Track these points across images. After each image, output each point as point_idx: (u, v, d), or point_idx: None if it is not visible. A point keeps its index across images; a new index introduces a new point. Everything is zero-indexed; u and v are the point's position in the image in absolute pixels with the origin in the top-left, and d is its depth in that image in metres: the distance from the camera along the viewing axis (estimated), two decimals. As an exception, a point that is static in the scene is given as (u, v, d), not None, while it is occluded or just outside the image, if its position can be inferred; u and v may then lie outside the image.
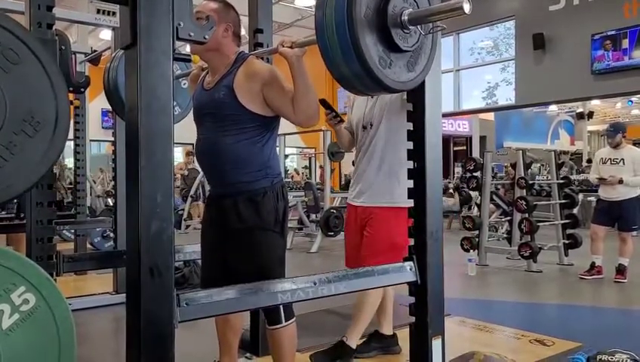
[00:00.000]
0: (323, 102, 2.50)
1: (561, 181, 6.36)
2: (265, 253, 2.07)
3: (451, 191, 10.12)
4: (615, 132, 5.35)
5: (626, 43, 8.46)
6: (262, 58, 2.42)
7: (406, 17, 1.58)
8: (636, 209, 5.16)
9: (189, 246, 2.78)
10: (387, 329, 2.94)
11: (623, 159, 5.19)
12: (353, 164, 3.00)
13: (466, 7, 1.53)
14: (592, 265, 5.29)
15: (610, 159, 5.29)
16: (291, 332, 2.12)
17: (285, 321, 2.08)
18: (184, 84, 2.94)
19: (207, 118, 2.13)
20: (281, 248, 2.15)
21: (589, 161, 12.18)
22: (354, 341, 2.76)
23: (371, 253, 2.67)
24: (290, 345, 2.13)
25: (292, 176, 13.76)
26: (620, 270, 5.13)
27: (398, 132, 2.53)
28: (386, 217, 2.68)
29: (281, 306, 2.02)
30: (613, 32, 8.58)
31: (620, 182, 5.11)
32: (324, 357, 2.71)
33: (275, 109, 2.05)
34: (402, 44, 1.60)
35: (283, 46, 1.93)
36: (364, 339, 2.92)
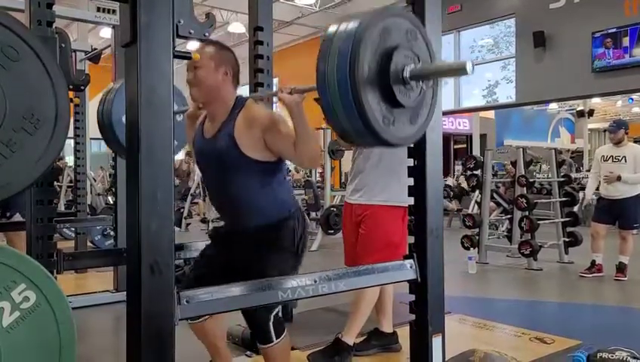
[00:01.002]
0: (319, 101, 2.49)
1: (562, 179, 6.37)
2: (272, 266, 2.00)
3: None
4: (617, 127, 5.32)
5: (626, 41, 8.46)
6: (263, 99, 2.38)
7: (408, 74, 1.55)
8: (637, 207, 5.15)
9: (190, 244, 2.78)
10: (387, 327, 2.94)
11: (625, 157, 5.18)
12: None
13: (469, 68, 1.50)
14: (593, 263, 5.28)
15: (612, 156, 5.27)
16: (284, 347, 2.08)
17: (276, 339, 2.03)
18: (180, 116, 2.82)
19: (211, 167, 2.13)
20: (291, 265, 2.09)
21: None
22: (351, 338, 2.76)
23: (366, 251, 2.67)
24: (285, 359, 2.11)
25: (292, 175, 13.74)
26: (621, 268, 5.13)
27: None
28: (381, 215, 2.69)
29: (271, 325, 2.00)
30: (613, 30, 8.57)
31: (619, 179, 5.10)
32: (322, 357, 2.71)
33: (277, 153, 2.03)
34: (405, 100, 1.57)
35: (282, 91, 1.90)
36: (364, 337, 2.92)
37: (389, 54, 1.52)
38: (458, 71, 1.58)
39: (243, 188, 2.05)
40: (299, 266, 2.15)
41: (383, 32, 1.52)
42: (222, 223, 2.29)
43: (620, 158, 5.21)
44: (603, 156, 5.38)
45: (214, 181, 2.15)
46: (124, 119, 2.99)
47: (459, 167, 13.22)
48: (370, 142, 1.64)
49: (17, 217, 4.38)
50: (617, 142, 5.28)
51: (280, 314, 2.06)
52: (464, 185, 7.48)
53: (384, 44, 1.53)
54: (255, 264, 2.01)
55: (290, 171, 14.19)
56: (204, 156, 2.15)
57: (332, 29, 1.54)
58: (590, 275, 5.22)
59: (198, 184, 9.70)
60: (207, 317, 2.15)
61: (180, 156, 11.34)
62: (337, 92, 1.49)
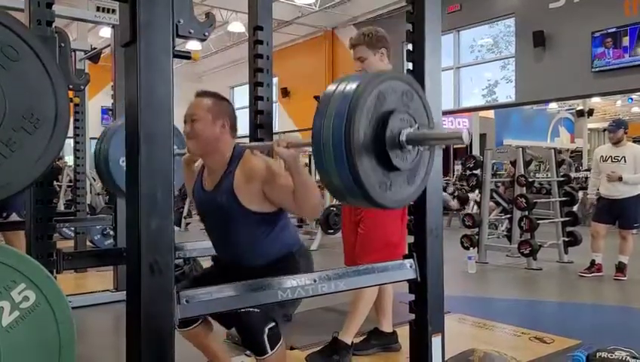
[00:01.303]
0: (318, 99, 2.50)
1: (561, 178, 6.37)
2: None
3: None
4: (617, 127, 5.32)
5: (626, 41, 8.46)
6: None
7: (404, 138, 1.54)
8: (637, 207, 5.15)
9: (189, 244, 2.78)
10: (387, 327, 2.94)
11: (624, 157, 5.17)
12: None
13: (465, 138, 1.51)
14: (592, 263, 5.29)
15: (612, 156, 5.27)
16: (280, 357, 2.04)
17: (271, 350, 1.98)
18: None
19: (213, 218, 2.16)
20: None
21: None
22: (349, 337, 2.75)
23: (365, 251, 2.67)
24: None
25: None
26: (620, 268, 5.13)
27: None
28: (380, 215, 2.68)
29: (265, 337, 1.95)
30: (613, 30, 8.57)
31: (620, 179, 5.10)
32: (320, 357, 2.71)
33: (277, 204, 2.05)
34: (401, 164, 1.56)
35: (279, 145, 1.87)
36: (363, 337, 2.92)
37: (384, 120, 1.52)
38: (453, 140, 1.59)
39: (246, 238, 2.08)
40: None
41: (379, 97, 1.52)
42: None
43: (619, 158, 5.20)
44: (602, 156, 5.38)
45: (216, 230, 2.18)
46: (121, 161, 3.04)
47: (458, 167, 13.22)
48: (364, 205, 1.62)
49: (14, 217, 4.37)
50: (616, 142, 5.28)
51: (277, 325, 2.00)
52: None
53: (380, 109, 1.52)
54: None
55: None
56: (206, 208, 2.18)
57: (330, 89, 1.54)
58: (590, 275, 5.22)
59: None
60: (197, 323, 2.15)
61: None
62: (332, 157, 1.48)
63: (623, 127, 5.34)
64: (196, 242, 2.77)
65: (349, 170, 1.47)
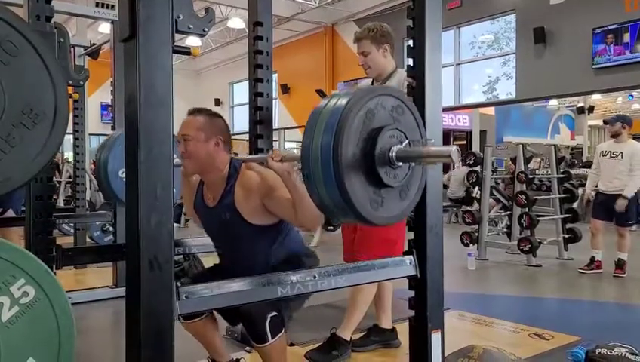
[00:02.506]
0: (320, 92, 2.50)
1: (561, 175, 6.36)
2: None
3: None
4: (615, 119, 5.31)
5: (627, 37, 8.45)
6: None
7: (394, 154, 1.53)
8: (632, 205, 5.16)
9: (189, 240, 2.78)
10: (386, 323, 2.94)
11: (622, 153, 5.16)
12: None
13: (455, 157, 1.49)
14: (592, 260, 5.29)
15: (610, 152, 5.26)
16: (280, 347, 2.06)
17: (272, 339, 2.00)
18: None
19: (219, 234, 2.22)
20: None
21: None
22: (347, 333, 2.76)
23: (364, 248, 2.67)
24: (281, 359, 2.08)
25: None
26: (620, 265, 5.13)
27: None
28: None
29: (267, 324, 1.98)
30: (614, 27, 8.55)
31: (625, 198, 5.06)
32: (320, 354, 2.71)
33: (278, 216, 2.08)
34: (392, 181, 1.55)
35: (273, 159, 1.89)
36: (363, 333, 2.92)
37: (374, 137, 1.50)
38: (443, 158, 1.57)
39: (253, 251, 2.13)
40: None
41: (367, 114, 1.50)
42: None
43: (617, 154, 5.20)
44: (602, 152, 5.37)
45: (224, 245, 2.24)
46: (121, 173, 3.05)
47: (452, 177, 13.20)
48: (356, 222, 1.60)
49: (10, 213, 4.36)
50: (614, 135, 5.26)
51: (282, 314, 2.03)
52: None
53: (369, 125, 1.51)
54: None
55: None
56: (210, 224, 2.23)
57: (320, 105, 1.53)
58: (589, 272, 5.23)
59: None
60: (202, 316, 2.17)
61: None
62: (321, 176, 1.46)
63: (622, 120, 5.29)
64: (196, 238, 2.77)
65: (338, 189, 1.45)
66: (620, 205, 5.06)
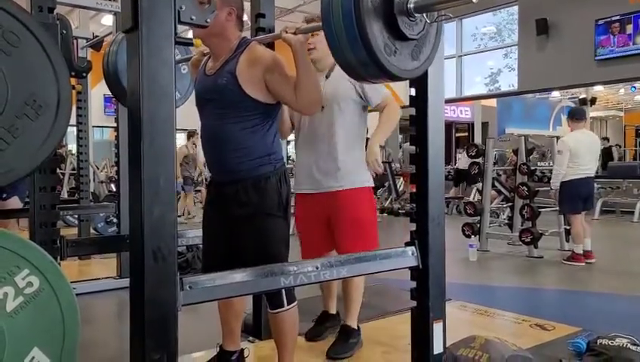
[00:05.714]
0: None
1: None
2: (270, 238, 2.09)
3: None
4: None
5: (630, 28, 8.40)
6: (265, 44, 2.39)
7: (412, 5, 1.57)
8: (560, 194, 5.37)
9: (192, 231, 2.79)
10: (333, 309, 3.00)
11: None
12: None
13: None
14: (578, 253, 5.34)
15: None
16: (293, 316, 2.14)
17: (287, 305, 2.09)
18: (184, 69, 2.89)
19: (209, 104, 2.13)
20: (285, 231, 2.15)
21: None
22: (353, 321, 2.79)
23: (356, 236, 2.59)
24: (292, 329, 2.15)
25: (294, 162, 13.71)
26: (578, 253, 5.28)
27: (351, 114, 2.60)
28: (360, 197, 2.65)
29: (283, 290, 2.03)
30: (617, 18, 8.51)
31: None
32: (340, 346, 2.71)
33: (276, 95, 2.04)
34: (408, 32, 1.60)
35: (287, 32, 1.92)
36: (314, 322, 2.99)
37: None
38: (460, 1, 1.60)
39: (236, 128, 2.04)
40: (289, 229, 2.20)
41: None
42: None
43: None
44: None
45: (210, 120, 2.13)
46: None
47: (460, 156, 13.20)
48: (372, 72, 1.64)
49: (15, 200, 4.37)
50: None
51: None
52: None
53: None
54: (256, 246, 2.07)
55: (291, 157, 14.17)
56: (204, 93, 2.15)
57: None
58: (570, 263, 5.28)
59: (201, 172, 9.69)
60: None
61: (183, 142, 11.29)
62: (342, 21, 1.52)
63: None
64: (199, 229, 2.77)
65: (357, 31, 1.51)
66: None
